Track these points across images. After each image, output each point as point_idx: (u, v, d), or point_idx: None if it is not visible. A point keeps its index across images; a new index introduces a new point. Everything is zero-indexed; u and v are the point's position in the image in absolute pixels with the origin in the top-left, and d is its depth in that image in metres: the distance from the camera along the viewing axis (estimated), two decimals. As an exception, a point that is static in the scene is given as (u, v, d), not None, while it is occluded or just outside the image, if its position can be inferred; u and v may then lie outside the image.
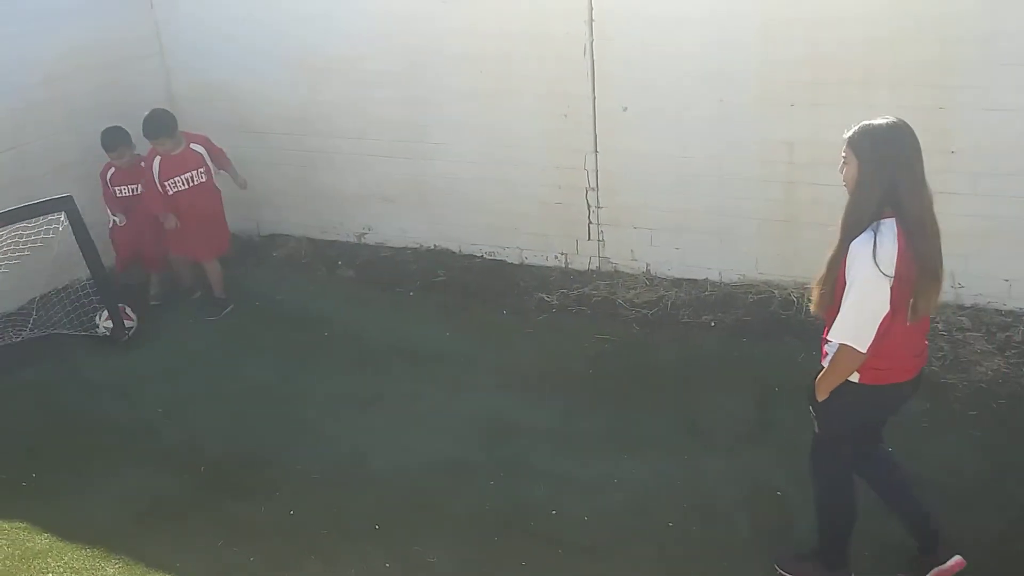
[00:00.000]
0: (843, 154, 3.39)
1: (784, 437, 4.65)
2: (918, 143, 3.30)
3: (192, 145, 6.58)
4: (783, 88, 5.77)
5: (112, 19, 7.34)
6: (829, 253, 3.39)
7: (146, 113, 6.50)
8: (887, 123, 3.31)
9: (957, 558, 3.81)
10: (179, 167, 6.49)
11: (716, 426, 5.01)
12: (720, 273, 6.46)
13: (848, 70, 5.57)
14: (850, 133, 3.36)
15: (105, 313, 6.36)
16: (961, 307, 5.78)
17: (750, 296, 6.23)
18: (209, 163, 6.65)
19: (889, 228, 3.25)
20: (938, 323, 5.67)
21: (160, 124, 6.43)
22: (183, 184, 6.51)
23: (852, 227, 3.29)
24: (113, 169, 6.70)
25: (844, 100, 5.52)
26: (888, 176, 3.24)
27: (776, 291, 6.17)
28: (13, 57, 6.63)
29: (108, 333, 6.35)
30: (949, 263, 5.59)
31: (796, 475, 4.20)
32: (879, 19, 5.44)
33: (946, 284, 5.65)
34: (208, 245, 6.78)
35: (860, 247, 3.24)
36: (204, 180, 6.60)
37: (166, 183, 6.47)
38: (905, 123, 3.32)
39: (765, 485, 4.50)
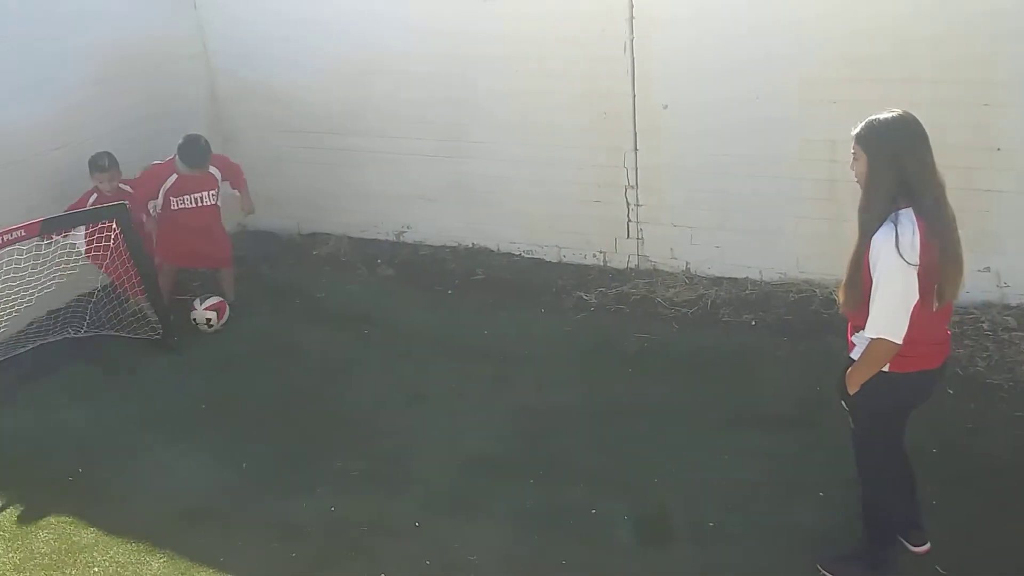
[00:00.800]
0: (852, 151, 3.41)
1: (826, 437, 4.61)
2: (925, 133, 3.31)
3: (210, 167, 6.56)
4: (825, 86, 5.71)
5: (157, 21, 7.45)
6: (850, 252, 3.40)
7: (187, 137, 6.45)
8: (893, 116, 3.34)
9: (928, 545, 3.96)
10: (192, 188, 6.49)
11: (757, 426, 4.97)
12: (761, 272, 6.41)
13: (890, 67, 5.51)
14: (857, 129, 3.39)
15: (209, 301, 6.55)
16: (1007, 307, 5.70)
17: (791, 295, 6.18)
18: (219, 185, 6.64)
19: (908, 217, 3.26)
20: (983, 323, 5.60)
21: (204, 157, 6.44)
22: (190, 203, 6.51)
23: (869, 222, 3.32)
24: (95, 196, 6.42)
25: (886, 97, 5.40)
26: (898, 167, 3.27)
27: (817, 290, 6.12)
28: (60, 59, 6.75)
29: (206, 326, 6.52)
30: (994, 262, 5.65)
31: (839, 475, 4.17)
32: (925, 15, 5.38)
33: (991, 283, 5.67)
34: (211, 256, 6.82)
35: (882, 240, 3.25)
36: (211, 203, 6.59)
37: (172, 198, 6.48)
38: (911, 114, 3.34)
39: (808, 485, 4.47)
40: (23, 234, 5.64)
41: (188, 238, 6.59)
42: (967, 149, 5.43)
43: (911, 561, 3.93)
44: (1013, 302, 5.72)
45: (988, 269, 5.71)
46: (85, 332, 6.51)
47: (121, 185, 6.48)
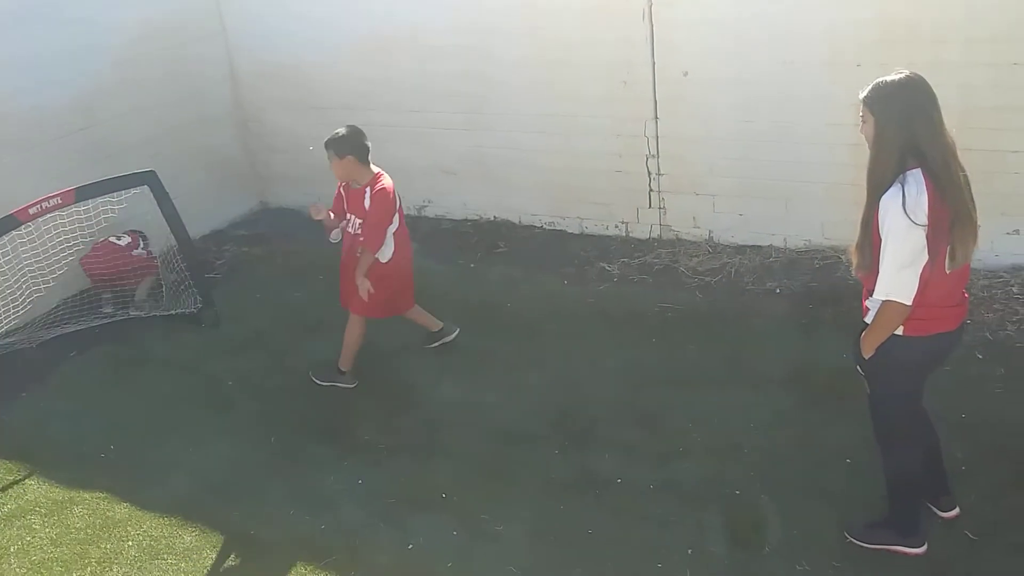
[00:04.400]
0: (860, 113, 3.39)
1: (854, 405, 4.56)
2: (933, 93, 3.28)
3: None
4: (850, 48, 5.63)
5: (176, 3, 7.48)
6: (860, 213, 3.39)
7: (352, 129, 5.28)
8: (900, 77, 3.31)
9: (957, 510, 3.96)
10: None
11: (784, 394, 4.95)
12: (785, 239, 6.37)
13: (918, 28, 5.42)
14: (865, 92, 3.37)
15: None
16: (1037, 270, 5.63)
17: (816, 262, 6.13)
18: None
19: (915, 178, 3.24)
20: (1013, 286, 5.53)
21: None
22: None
23: (878, 183, 3.30)
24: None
25: (913, 60, 5.31)
26: (906, 128, 3.25)
27: (843, 256, 6.04)
28: (83, 41, 6.81)
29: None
30: (1024, 223, 5.56)
31: (866, 442, 4.13)
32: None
33: (1021, 246, 5.59)
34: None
35: (890, 200, 3.24)
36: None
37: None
38: (918, 75, 3.31)
39: (835, 453, 4.45)
40: (59, 202, 5.72)
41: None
42: (996, 110, 5.34)
43: (940, 526, 3.92)
44: (1043, 265, 5.65)
45: (1018, 232, 5.63)
46: (121, 314, 6.58)
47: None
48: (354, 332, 5.46)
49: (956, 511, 3.94)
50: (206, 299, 6.45)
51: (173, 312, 6.49)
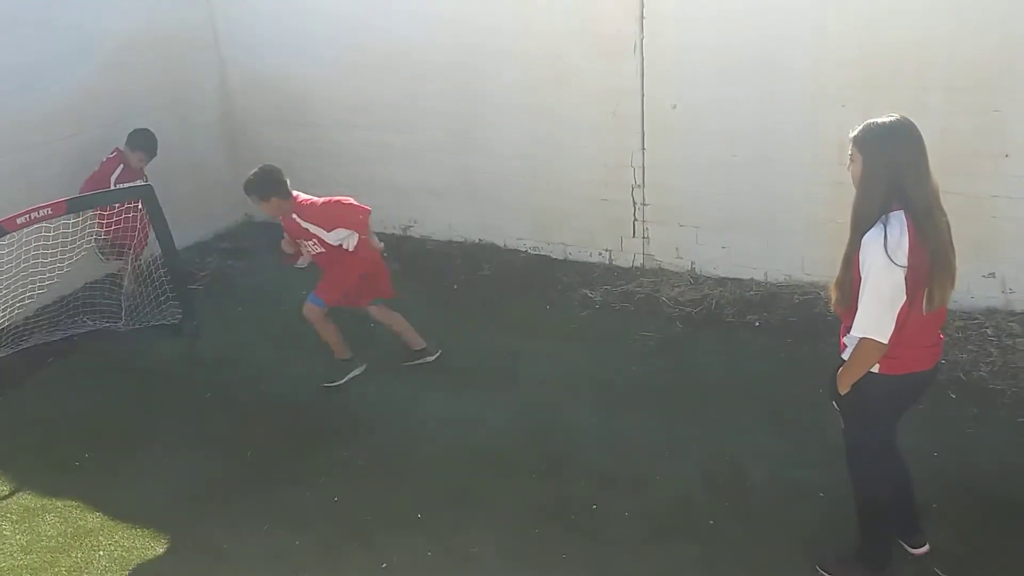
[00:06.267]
0: (849, 152, 3.46)
1: (827, 439, 4.62)
2: (921, 138, 3.35)
3: None
4: (835, 89, 5.73)
5: (169, 11, 7.51)
6: (842, 251, 3.45)
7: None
8: (891, 120, 3.38)
9: (927, 546, 3.99)
10: None
11: (759, 426, 4.99)
12: (766, 273, 6.44)
13: (902, 71, 5.53)
14: (855, 132, 3.44)
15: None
16: (1012, 313, 5.71)
17: (796, 297, 6.20)
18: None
19: (898, 219, 3.30)
20: (987, 328, 5.61)
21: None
22: None
23: (861, 222, 3.36)
24: (121, 168, 6.52)
25: (897, 102, 5.42)
26: (892, 170, 3.31)
27: (822, 292, 6.12)
28: (74, 47, 6.81)
29: None
30: (999, 268, 5.67)
31: (839, 477, 4.18)
32: (938, 21, 5.39)
33: (996, 289, 5.69)
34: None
35: (871, 240, 3.30)
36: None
37: None
38: (908, 119, 3.38)
39: (808, 486, 4.49)
40: (49, 212, 5.65)
41: None
42: (975, 154, 5.45)
43: (911, 563, 3.95)
44: (1018, 308, 5.73)
45: (993, 275, 5.73)
46: (102, 324, 6.54)
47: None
48: (321, 325, 5.61)
49: (926, 547, 3.99)
50: (187, 311, 6.43)
51: (153, 324, 6.47)
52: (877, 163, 3.33)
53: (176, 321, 6.42)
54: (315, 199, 5.46)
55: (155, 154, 6.64)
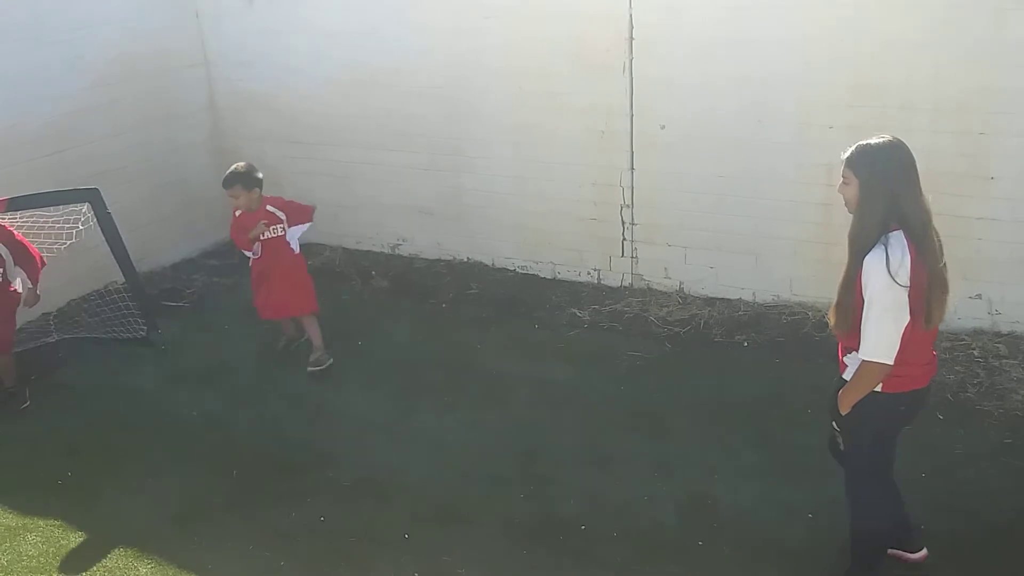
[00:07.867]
0: (842, 175, 3.47)
1: (817, 459, 4.62)
2: (913, 158, 3.39)
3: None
4: (823, 110, 5.77)
5: (158, 29, 7.49)
6: (841, 274, 3.45)
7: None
8: (883, 140, 3.41)
9: (925, 551, 4.04)
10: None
11: (747, 447, 4.99)
12: (754, 293, 6.45)
13: (889, 94, 5.57)
14: (848, 153, 3.45)
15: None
16: (998, 334, 5.74)
17: (784, 317, 6.21)
18: None
19: (898, 240, 3.32)
20: (974, 349, 5.64)
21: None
22: None
23: (861, 244, 3.37)
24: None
25: (883, 124, 5.49)
26: (889, 191, 3.33)
27: (810, 312, 6.16)
28: (62, 64, 6.79)
29: None
30: (986, 289, 5.70)
31: (828, 498, 4.19)
32: (926, 44, 5.43)
33: (983, 311, 5.71)
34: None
35: (874, 261, 3.31)
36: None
37: None
38: (899, 139, 3.42)
39: (797, 507, 4.48)
40: None
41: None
42: (961, 177, 5.49)
43: (902, 579, 3.95)
44: (1004, 330, 5.76)
45: (980, 296, 5.75)
46: (74, 335, 6.51)
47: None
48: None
49: (924, 552, 3.99)
50: (150, 322, 6.37)
51: (120, 338, 6.41)
52: (874, 184, 3.35)
53: (143, 334, 6.38)
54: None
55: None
